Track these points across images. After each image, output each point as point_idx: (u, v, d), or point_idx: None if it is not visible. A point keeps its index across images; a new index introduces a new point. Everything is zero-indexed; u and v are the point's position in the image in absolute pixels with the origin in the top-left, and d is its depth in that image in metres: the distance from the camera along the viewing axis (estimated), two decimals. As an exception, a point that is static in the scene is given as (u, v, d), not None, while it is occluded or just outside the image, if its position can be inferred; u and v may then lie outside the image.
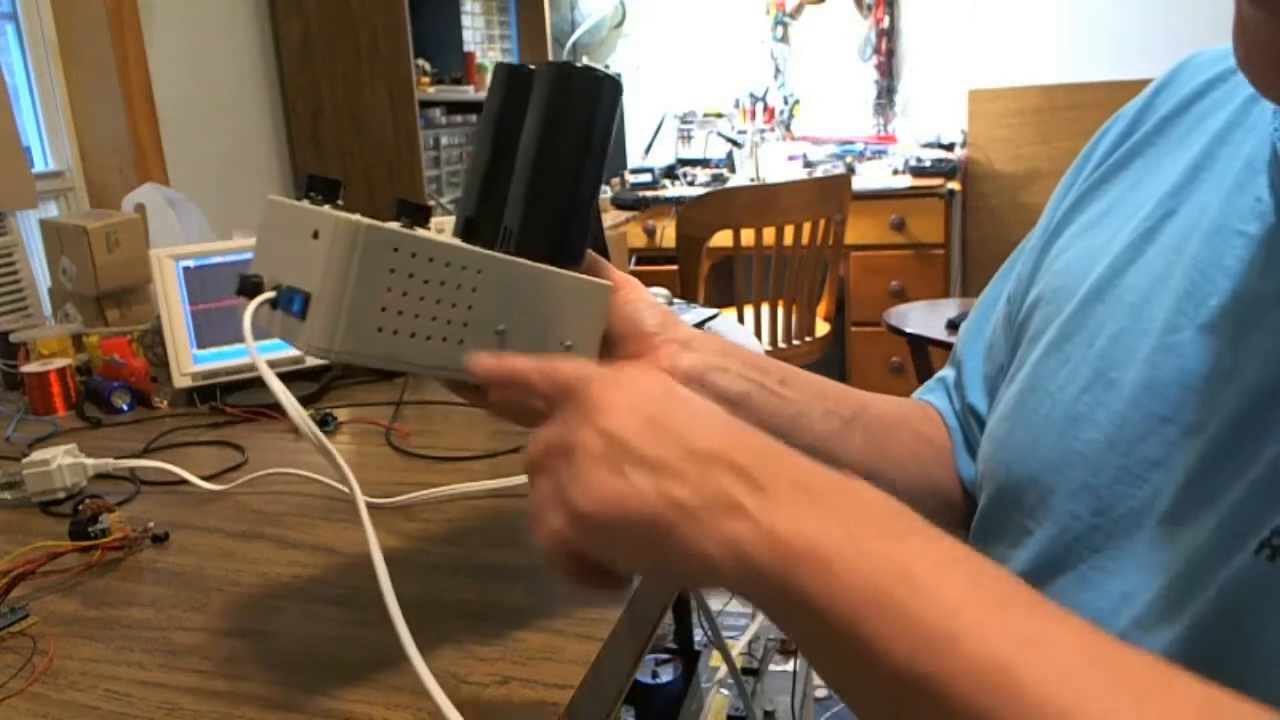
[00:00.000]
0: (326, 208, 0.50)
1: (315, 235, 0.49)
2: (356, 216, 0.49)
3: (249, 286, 0.52)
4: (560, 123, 0.56)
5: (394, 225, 0.50)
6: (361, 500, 0.50)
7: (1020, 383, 0.54)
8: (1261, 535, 0.37)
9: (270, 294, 0.51)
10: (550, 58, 3.14)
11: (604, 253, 0.62)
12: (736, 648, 1.43)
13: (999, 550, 0.53)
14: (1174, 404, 0.44)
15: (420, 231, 0.52)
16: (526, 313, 0.55)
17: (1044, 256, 0.58)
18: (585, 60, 3.58)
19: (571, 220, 0.57)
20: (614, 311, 0.58)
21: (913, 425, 0.64)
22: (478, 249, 0.53)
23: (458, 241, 0.54)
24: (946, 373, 0.69)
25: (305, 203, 0.52)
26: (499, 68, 0.59)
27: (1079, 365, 0.49)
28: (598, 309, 0.58)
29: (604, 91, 0.56)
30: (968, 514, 0.60)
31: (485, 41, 2.93)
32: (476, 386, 0.53)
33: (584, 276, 0.57)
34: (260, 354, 0.49)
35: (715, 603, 1.68)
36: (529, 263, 0.55)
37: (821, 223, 2.43)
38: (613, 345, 0.58)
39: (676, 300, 1.38)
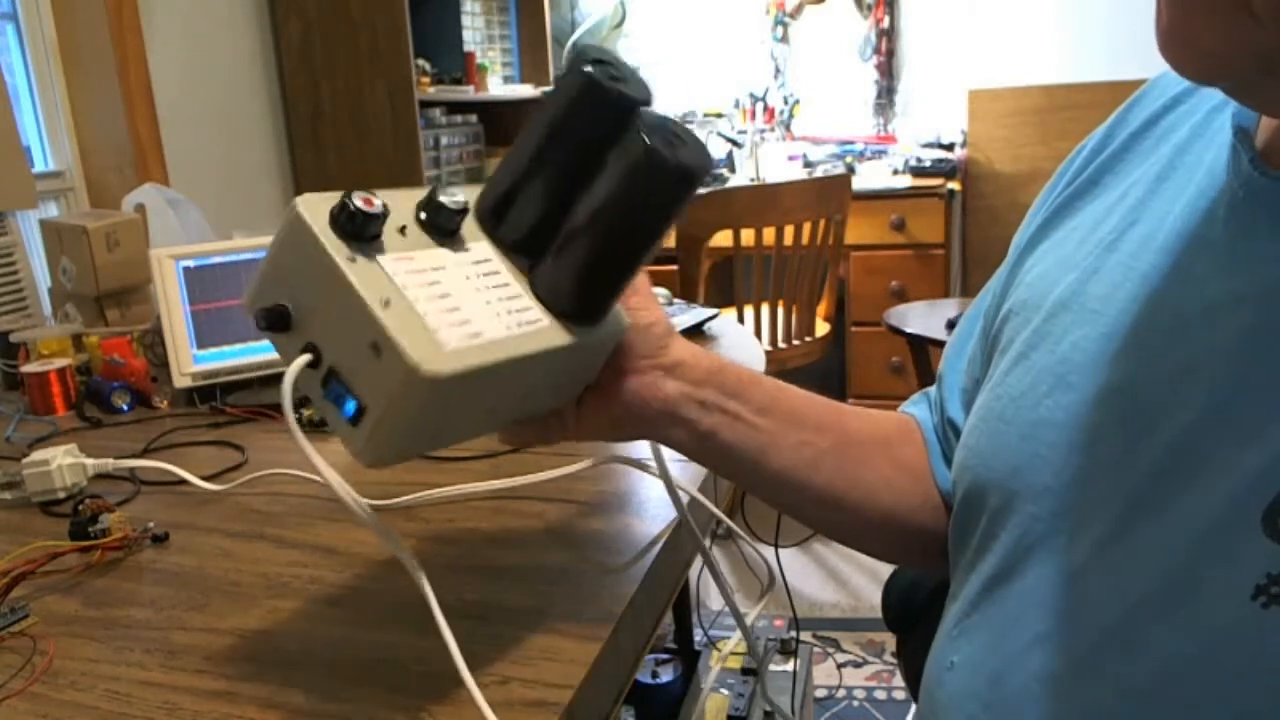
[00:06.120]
0: (387, 312, 0.45)
1: (375, 349, 0.45)
2: (426, 340, 0.45)
3: (275, 319, 0.48)
4: (649, 215, 0.52)
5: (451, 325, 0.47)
6: (405, 551, 0.51)
7: (989, 392, 0.55)
8: (1257, 579, 0.37)
9: (307, 357, 0.47)
10: (550, 58, 3.13)
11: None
12: (736, 646, 1.43)
13: (968, 553, 0.54)
14: (1128, 406, 0.45)
15: (484, 337, 0.48)
16: (556, 377, 0.55)
17: (1017, 271, 0.59)
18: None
19: (620, 293, 0.55)
20: None
21: (893, 450, 0.65)
22: (534, 349, 0.50)
23: (518, 336, 0.50)
24: (932, 389, 0.70)
25: (343, 257, 0.46)
26: (590, 82, 0.51)
27: (1042, 372, 0.50)
28: (610, 349, 0.57)
29: (696, 184, 0.52)
30: (936, 540, 0.61)
31: (485, 41, 2.93)
32: None
33: (608, 331, 0.55)
34: (288, 388, 0.47)
35: (715, 603, 1.68)
36: (576, 340, 0.53)
37: (821, 223, 2.43)
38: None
39: (676, 300, 1.38)
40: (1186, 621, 0.39)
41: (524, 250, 0.54)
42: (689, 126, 2.96)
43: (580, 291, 0.53)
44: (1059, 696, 0.44)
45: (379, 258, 0.48)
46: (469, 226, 0.53)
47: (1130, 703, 0.41)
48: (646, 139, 0.49)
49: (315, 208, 0.47)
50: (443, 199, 0.51)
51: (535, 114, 0.53)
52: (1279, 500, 0.37)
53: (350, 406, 0.47)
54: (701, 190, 0.61)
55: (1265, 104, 0.42)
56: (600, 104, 0.51)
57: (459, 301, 0.49)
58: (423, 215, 0.51)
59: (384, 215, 0.48)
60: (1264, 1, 0.34)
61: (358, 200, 0.47)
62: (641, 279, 0.59)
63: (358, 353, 0.46)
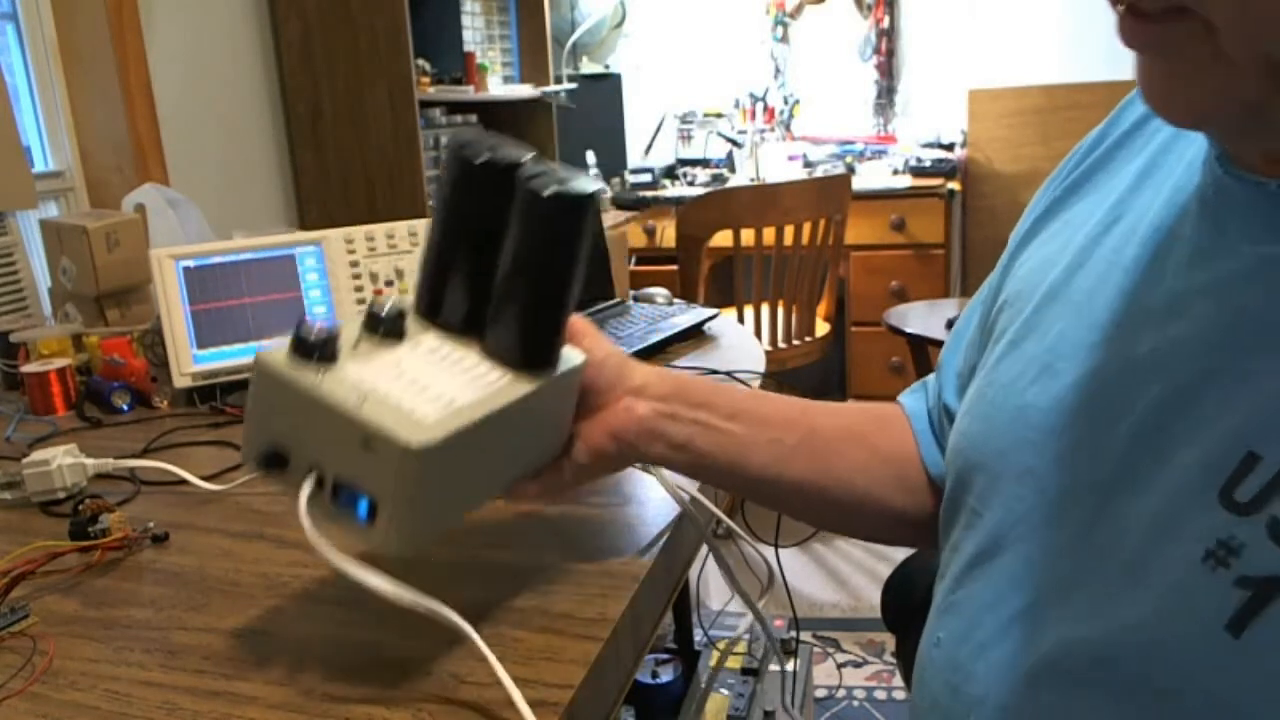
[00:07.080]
0: (364, 409, 0.49)
1: (367, 445, 0.49)
2: (406, 419, 0.49)
3: (275, 460, 0.52)
4: (561, 251, 0.57)
5: (438, 423, 0.50)
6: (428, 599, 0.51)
7: (982, 379, 0.57)
8: (1207, 544, 0.39)
9: (312, 479, 0.51)
10: (550, 58, 3.14)
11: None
12: (737, 645, 1.43)
13: (956, 533, 0.56)
14: (1101, 393, 0.47)
15: (462, 402, 0.52)
16: (535, 425, 0.59)
17: (1012, 264, 0.61)
18: (585, 61, 3.58)
19: (563, 330, 0.59)
20: None
21: (868, 441, 0.68)
22: (506, 401, 0.54)
23: (488, 395, 0.54)
24: (930, 377, 0.73)
25: (309, 381, 0.51)
26: (463, 164, 0.57)
27: (1030, 360, 0.52)
28: (577, 386, 0.61)
29: (595, 210, 0.58)
30: (921, 522, 0.64)
31: (485, 41, 2.93)
32: None
33: (567, 369, 0.59)
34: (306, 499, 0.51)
35: (715, 602, 1.68)
36: (539, 384, 0.57)
37: (821, 223, 2.43)
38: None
39: (676, 300, 1.38)
40: (1147, 590, 0.41)
41: (468, 328, 0.58)
42: (689, 126, 2.96)
43: (526, 340, 0.57)
44: (1037, 667, 0.46)
45: (341, 370, 0.52)
46: (414, 324, 0.59)
47: (1099, 671, 0.43)
48: (532, 186, 0.55)
49: (272, 354, 0.53)
50: (378, 311, 0.56)
51: (434, 208, 0.59)
52: (1235, 476, 0.39)
53: (363, 506, 0.51)
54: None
55: (1256, 144, 0.42)
56: (480, 177, 0.57)
57: (426, 382, 0.53)
58: (368, 329, 0.56)
59: (335, 335, 0.53)
60: (1238, 49, 0.35)
61: (308, 328, 0.52)
62: (583, 321, 0.63)
63: (354, 456, 0.50)
